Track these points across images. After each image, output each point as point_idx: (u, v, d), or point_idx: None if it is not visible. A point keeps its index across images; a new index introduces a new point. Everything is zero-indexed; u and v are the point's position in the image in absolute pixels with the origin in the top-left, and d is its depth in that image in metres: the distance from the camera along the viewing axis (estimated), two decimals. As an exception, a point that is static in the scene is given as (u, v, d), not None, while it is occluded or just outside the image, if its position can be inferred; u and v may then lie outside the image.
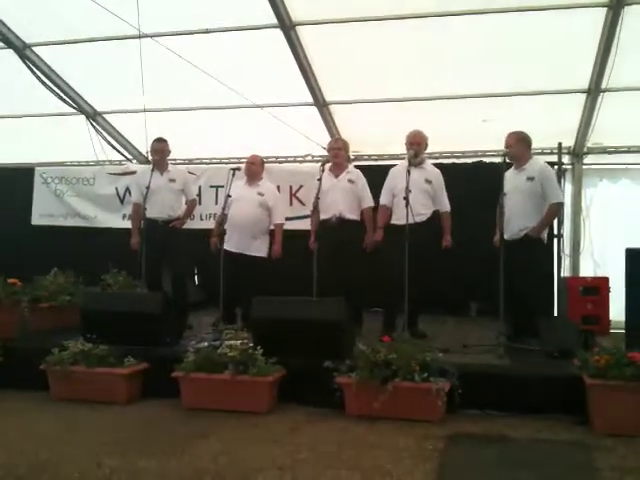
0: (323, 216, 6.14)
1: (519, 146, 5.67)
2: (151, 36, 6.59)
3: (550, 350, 4.98)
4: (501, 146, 5.89)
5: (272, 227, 6.52)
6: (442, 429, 4.18)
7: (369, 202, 6.26)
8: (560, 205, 5.92)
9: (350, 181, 6.24)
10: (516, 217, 5.55)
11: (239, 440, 4.07)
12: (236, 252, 6.21)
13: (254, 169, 6.51)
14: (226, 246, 6.16)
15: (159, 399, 4.91)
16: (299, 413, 4.59)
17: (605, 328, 6.54)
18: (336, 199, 6.13)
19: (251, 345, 4.77)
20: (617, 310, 6.31)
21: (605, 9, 5.84)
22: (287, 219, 6.91)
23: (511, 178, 5.58)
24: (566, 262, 7.59)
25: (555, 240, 7.32)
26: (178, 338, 5.61)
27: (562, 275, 7.37)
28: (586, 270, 7.71)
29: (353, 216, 6.20)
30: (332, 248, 5.90)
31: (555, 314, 7.06)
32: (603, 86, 6.65)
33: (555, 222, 7.11)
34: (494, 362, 4.89)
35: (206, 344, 4.95)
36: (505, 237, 5.41)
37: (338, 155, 6.31)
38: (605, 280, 6.82)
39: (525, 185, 5.60)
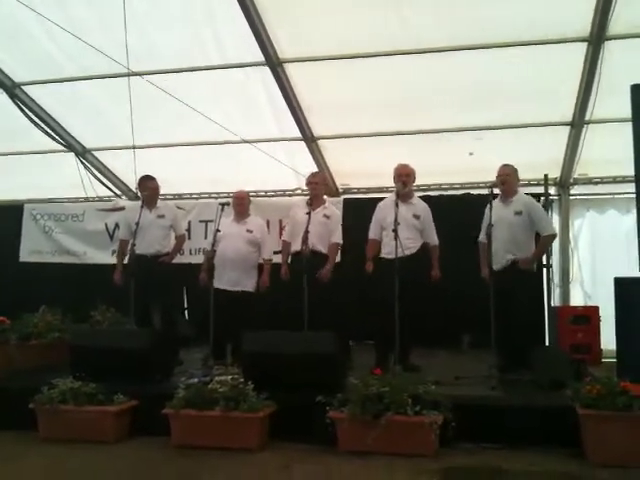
0: (296, 247, 6.16)
1: (514, 177, 5.79)
2: (140, 74, 6.65)
3: (542, 381, 4.96)
4: (487, 178, 5.99)
5: (261, 261, 6.51)
6: (436, 463, 4.14)
7: (337, 239, 6.27)
8: (553, 237, 6.02)
9: (325, 216, 6.28)
10: (503, 249, 5.60)
11: None
12: (226, 288, 6.19)
13: (245, 205, 6.53)
14: (215, 282, 6.14)
15: (149, 437, 4.83)
16: (291, 449, 4.53)
17: (596, 357, 6.55)
18: (310, 231, 6.13)
19: (242, 380, 4.73)
20: (608, 339, 6.33)
21: (585, 44, 5.99)
22: (276, 253, 6.90)
23: (497, 210, 5.63)
24: (556, 292, 7.62)
25: (544, 270, 7.36)
26: (168, 374, 5.55)
27: (552, 305, 7.39)
28: (576, 300, 7.75)
29: (324, 250, 6.19)
30: (309, 279, 5.86)
31: (546, 344, 7.06)
32: (586, 118, 6.78)
33: (544, 252, 7.18)
34: (487, 394, 4.88)
35: (196, 380, 4.90)
36: (494, 268, 5.45)
37: (316, 189, 6.37)
38: (595, 309, 6.86)
39: (513, 218, 5.67)
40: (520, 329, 5.51)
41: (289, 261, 6.38)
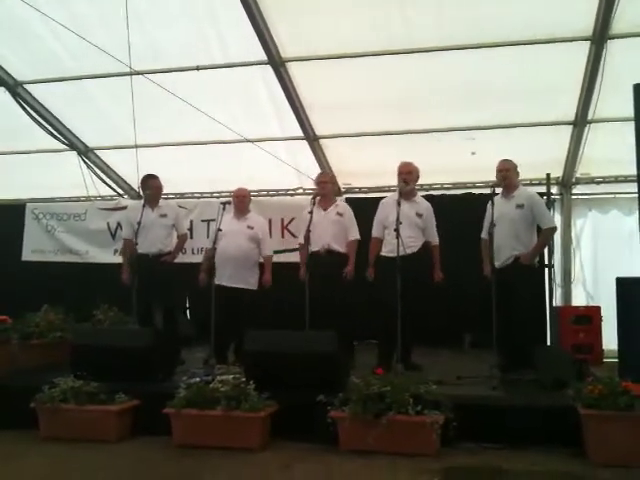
0: (312, 248, 6.17)
1: (514, 172, 5.80)
2: (142, 73, 6.65)
3: (544, 381, 4.96)
4: (490, 177, 5.97)
5: (261, 259, 6.52)
6: (437, 463, 4.14)
7: (355, 235, 6.29)
8: (553, 230, 6.04)
9: (338, 214, 6.30)
10: (506, 244, 5.60)
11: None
12: (228, 286, 6.18)
13: (246, 202, 6.53)
14: (217, 280, 6.14)
15: (150, 436, 4.83)
16: (292, 449, 4.53)
17: (598, 357, 6.54)
18: (324, 232, 6.16)
19: (243, 380, 4.73)
20: (609, 339, 6.32)
21: (588, 42, 5.97)
22: (279, 252, 6.91)
23: (499, 206, 5.64)
24: (558, 292, 7.61)
25: (546, 270, 7.35)
26: (170, 374, 5.55)
27: (554, 305, 7.38)
28: (578, 300, 7.73)
29: (340, 248, 6.22)
30: (322, 279, 5.90)
31: (548, 344, 7.06)
32: (589, 117, 6.76)
33: (546, 252, 7.17)
34: (488, 394, 4.87)
35: (198, 379, 4.89)
36: (496, 265, 5.44)
37: (325, 188, 6.38)
38: (597, 309, 6.85)
39: (515, 212, 5.67)
40: (521, 325, 5.51)
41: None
